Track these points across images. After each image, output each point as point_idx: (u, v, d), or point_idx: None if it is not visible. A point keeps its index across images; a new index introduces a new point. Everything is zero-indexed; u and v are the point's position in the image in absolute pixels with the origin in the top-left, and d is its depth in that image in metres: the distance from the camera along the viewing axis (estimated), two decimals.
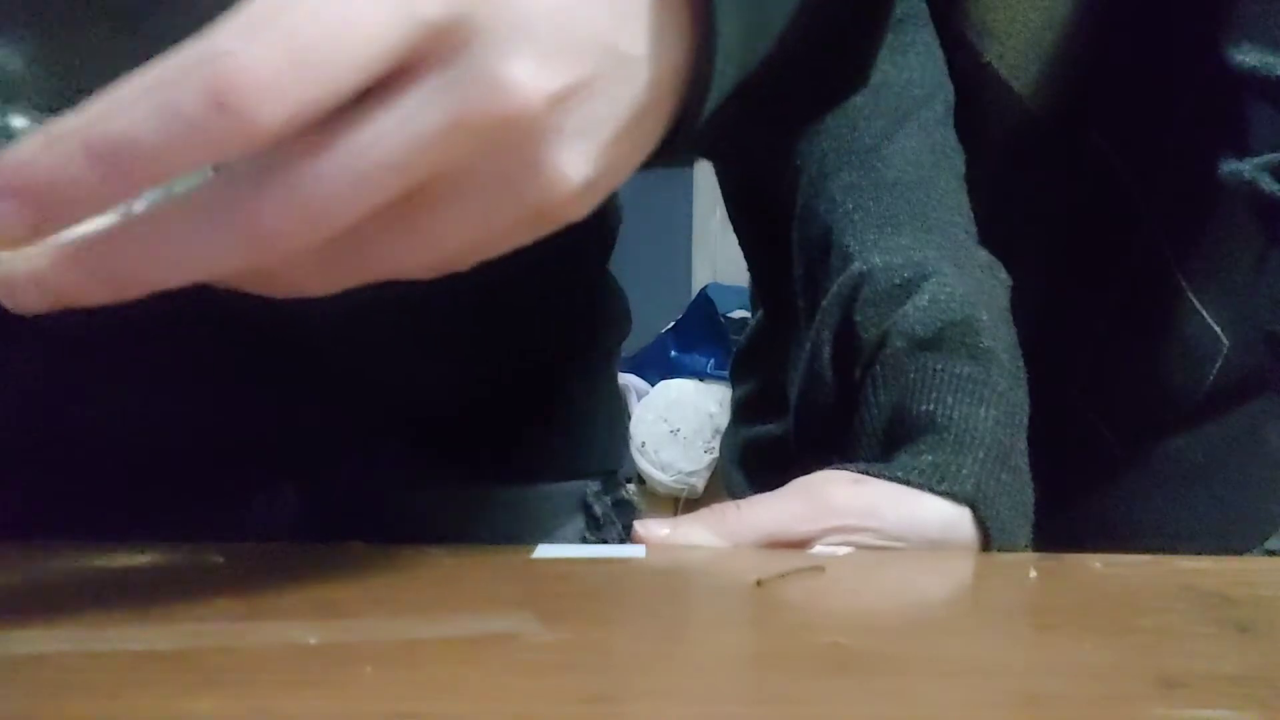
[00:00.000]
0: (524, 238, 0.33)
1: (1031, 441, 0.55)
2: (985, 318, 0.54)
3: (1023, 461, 0.53)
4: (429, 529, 0.50)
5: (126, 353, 0.46)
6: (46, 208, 0.27)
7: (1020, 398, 0.54)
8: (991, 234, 0.63)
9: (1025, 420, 0.54)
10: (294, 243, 0.28)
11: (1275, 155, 0.66)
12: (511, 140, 0.30)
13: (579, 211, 0.33)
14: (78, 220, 0.28)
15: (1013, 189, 0.70)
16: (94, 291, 0.29)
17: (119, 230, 0.28)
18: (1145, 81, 0.67)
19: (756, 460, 0.79)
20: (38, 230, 0.28)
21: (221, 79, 0.26)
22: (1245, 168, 0.66)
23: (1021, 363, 0.56)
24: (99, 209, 0.28)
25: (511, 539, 0.50)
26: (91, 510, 0.43)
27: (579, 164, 0.31)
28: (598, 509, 0.59)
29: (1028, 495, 0.53)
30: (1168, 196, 0.68)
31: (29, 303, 0.29)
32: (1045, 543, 0.45)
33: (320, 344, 0.47)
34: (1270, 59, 0.64)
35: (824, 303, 0.57)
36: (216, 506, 0.48)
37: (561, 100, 0.30)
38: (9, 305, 0.29)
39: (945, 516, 0.49)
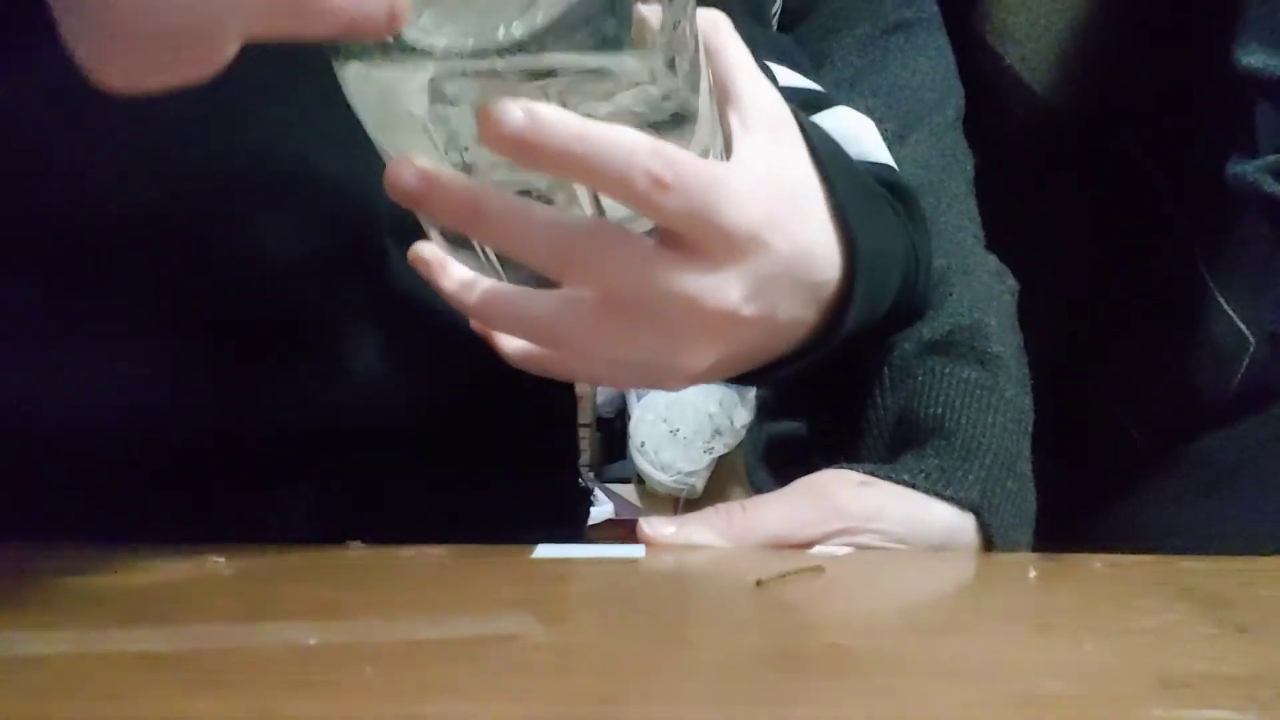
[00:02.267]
0: (623, 377, 0.45)
1: (1061, 444, 0.55)
2: (993, 323, 0.54)
3: (1027, 468, 0.53)
4: (428, 520, 0.50)
5: (141, 356, 0.46)
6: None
7: (1026, 404, 0.54)
8: (1020, 236, 0.63)
9: (1030, 426, 0.54)
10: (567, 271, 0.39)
11: (1278, 156, 0.66)
12: (699, 321, 0.40)
13: (673, 387, 0.44)
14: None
15: (1040, 190, 0.70)
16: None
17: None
18: (1166, 82, 0.67)
19: (781, 457, 0.79)
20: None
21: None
22: (1249, 168, 0.66)
23: (1027, 369, 0.55)
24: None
25: (498, 529, 0.51)
26: (109, 513, 0.43)
27: (707, 362, 0.42)
28: (564, 495, 0.60)
29: (1031, 502, 0.52)
30: (1195, 196, 0.68)
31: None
32: (1070, 544, 0.45)
33: (332, 347, 0.48)
34: (1275, 60, 0.64)
35: None
36: (232, 507, 0.48)
37: (738, 323, 0.41)
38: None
39: (949, 522, 0.49)
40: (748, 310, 0.41)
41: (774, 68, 0.53)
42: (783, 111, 0.44)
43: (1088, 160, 0.69)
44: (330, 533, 0.44)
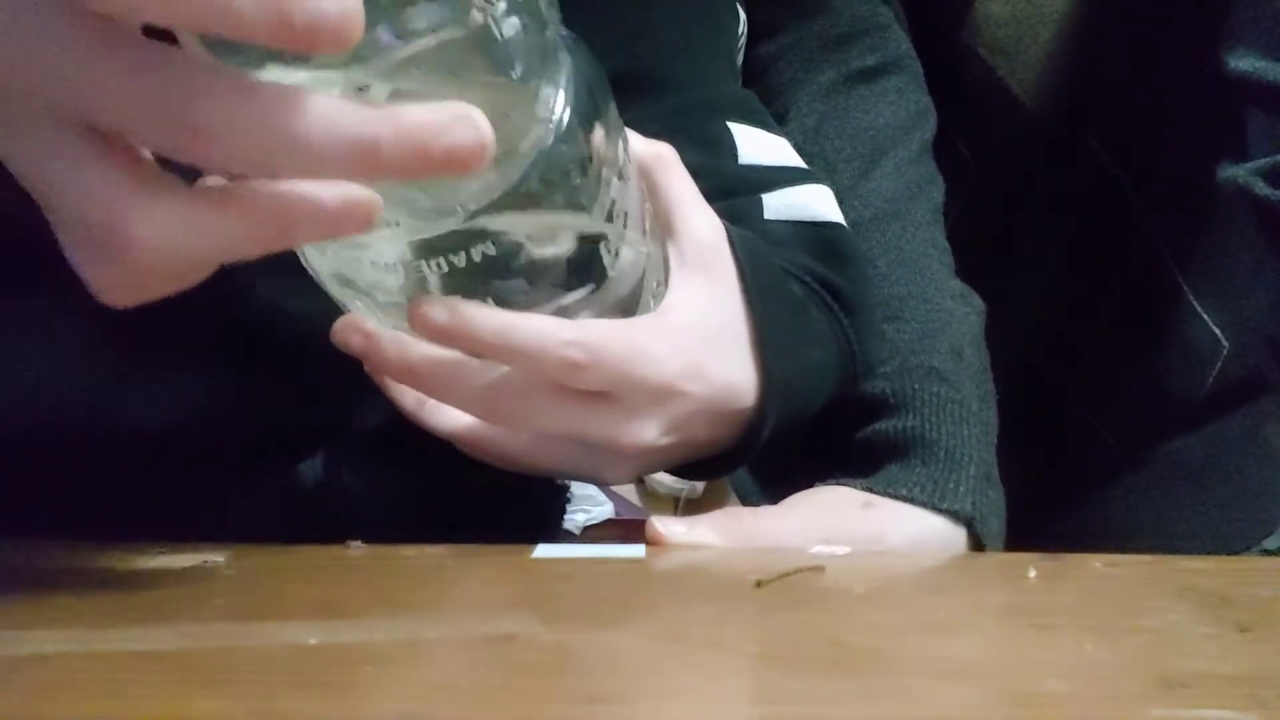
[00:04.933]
0: (556, 470, 0.48)
1: (1033, 443, 0.56)
2: (952, 346, 0.57)
3: (998, 477, 0.55)
4: (398, 517, 0.51)
5: (109, 352, 0.46)
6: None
7: (992, 418, 0.57)
8: (1006, 241, 0.65)
9: (995, 439, 0.56)
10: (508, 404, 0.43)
11: (1268, 160, 0.67)
12: (617, 451, 0.45)
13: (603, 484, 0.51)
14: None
15: (1025, 198, 0.72)
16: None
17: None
18: (1145, 89, 0.68)
19: (760, 458, 0.80)
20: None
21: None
22: (1239, 172, 0.67)
23: (992, 385, 0.58)
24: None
25: (468, 525, 0.51)
26: (109, 513, 0.43)
27: (627, 477, 0.48)
28: (537, 492, 0.61)
29: (1004, 511, 0.55)
30: (1167, 201, 0.69)
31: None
32: (1045, 543, 0.45)
33: (298, 342, 0.48)
34: (1263, 64, 0.66)
35: None
36: (197, 504, 0.49)
37: (654, 451, 0.46)
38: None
39: (945, 535, 0.51)
40: (664, 441, 0.46)
41: (737, 131, 0.56)
42: (718, 243, 0.48)
43: (1067, 168, 0.71)
44: (300, 534, 0.44)
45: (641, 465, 0.47)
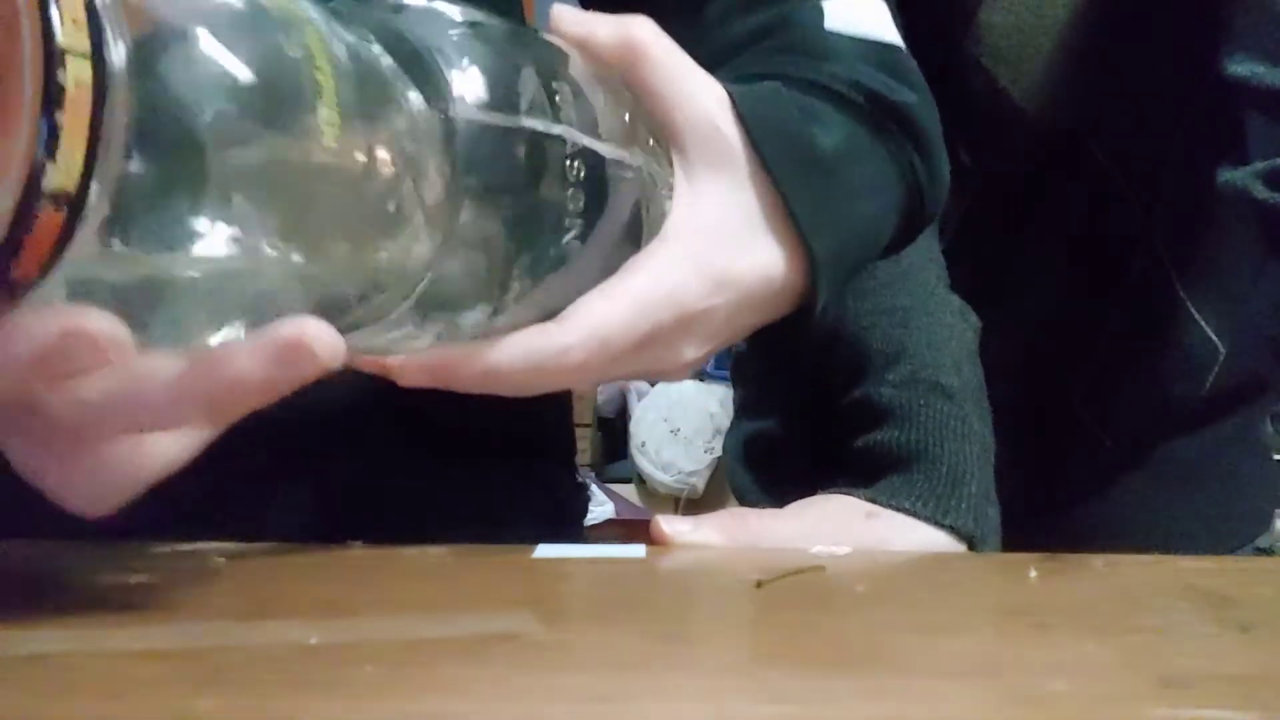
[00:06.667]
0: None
1: (1034, 445, 0.56)
2: (955, 361, 0.57)
3: (995, 497, 0.55)
4: (422, 515, 0.51)
5: None
6: None
7: (989, 436, 0.57)
8: (1006, 248, 0.65)
9: (993, 457, 0.56)
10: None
11: (1267, 163, 0.67)
12: (661, 372, 0.44)
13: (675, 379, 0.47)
14: None
15: (1027, 204, 0.73)
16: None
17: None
18: (1146, 95, 0.69)
19: (757, 454, 0.81)
20: None
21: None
22: (1240, 175, 0.67)
23: (987, 403, 0.58)
24: None
25: (492, 524, 0.51)
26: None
27: (683, 377, 0.45)
28: (560, 490, 0.61)
29: (999, 530, 0.55)
30: (1168, 208, 0.70)
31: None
32: (1045, 543, 0.45)
33: None
34: (1262, 69, 0.66)
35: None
36: (233, 505, 0.48)
37: (701, 358, 0.44)
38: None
39: (944, 550, 0.51)
40: (709, 347, 0.44)
41: None
42: (719, 123, 0.43)
43: (1069, 175, 0.71)
44: (326, 529, 0.44)
45: (697, 366, 0.45)
